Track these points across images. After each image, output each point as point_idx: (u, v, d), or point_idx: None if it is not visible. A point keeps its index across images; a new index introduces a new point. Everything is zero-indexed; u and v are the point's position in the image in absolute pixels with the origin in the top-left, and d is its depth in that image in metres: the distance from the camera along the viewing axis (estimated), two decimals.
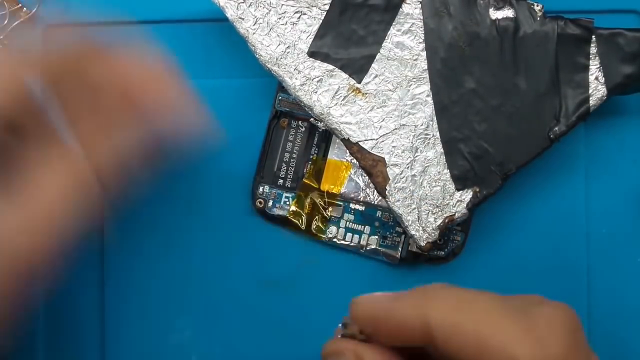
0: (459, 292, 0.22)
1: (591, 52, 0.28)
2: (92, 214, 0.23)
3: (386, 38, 0.29)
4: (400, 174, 0.29)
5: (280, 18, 0.29)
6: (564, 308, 0.22)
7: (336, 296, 0.26)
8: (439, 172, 0.29)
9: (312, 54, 0.29)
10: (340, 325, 0.24)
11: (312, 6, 0.29)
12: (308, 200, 0.31)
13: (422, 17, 0.29)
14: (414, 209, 0.29)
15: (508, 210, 0.31)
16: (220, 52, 0.31)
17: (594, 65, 0.28)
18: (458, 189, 0.28)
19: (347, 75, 0.29)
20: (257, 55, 0.29)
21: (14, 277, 0.22)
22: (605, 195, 0.31)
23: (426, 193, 0.29)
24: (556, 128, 0.28)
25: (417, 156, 0.29)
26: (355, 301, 0.23)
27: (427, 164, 0.29)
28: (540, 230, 0.31)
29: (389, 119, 0.29)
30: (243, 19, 0.29)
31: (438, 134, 0.29)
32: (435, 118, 0.29)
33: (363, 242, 0.31)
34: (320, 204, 0.31)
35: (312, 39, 0.29)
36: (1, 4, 0.31)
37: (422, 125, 0.29)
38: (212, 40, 0.31)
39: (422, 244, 0.29)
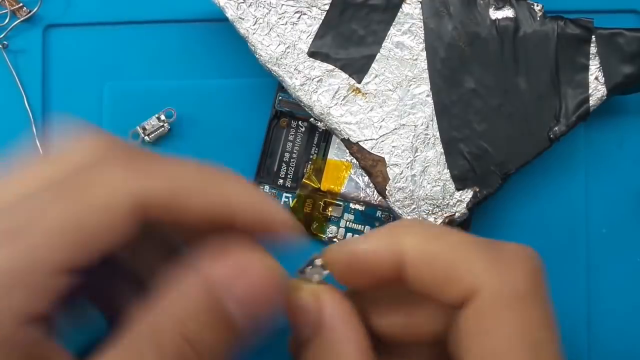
0: (430, 226, 0.23)
1: (591, 52, 0.28)
2: None
3: (386, 38, 0.29)
4: (400, 173, 0.29)
5: (280, 18, 0.29)
6: (530, 249, 0.22)
7: None
8: (439, 172, 0.29)
9: (312, 54, 0.29)
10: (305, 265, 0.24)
11: (312, 6, 0.29)
12: (308, 200, 0.31)
13: (422, 17, 0.29)
14: (414, 208, 0.29)
15: (508, 210, 0.31)
16: (220, 52, 0.31)
17: (594, 65, 0.28)
18: (458, 189, 0.28)
19: (347, 75, 0.29)
20: (257, 55, 0.29)
21: None
22: (605, 195, 0.31)
23: (426, 193, 0.29)
24: (556, 128, 0.28)
25: (417, 156, 0.29)
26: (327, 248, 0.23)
27: (427, 164, 0.29)
28: (540, 230, 0.31)
29: (389, 119, 0.29)
30: (243, 19, 0.29)
31: (438, 134, 0.29)
32: (435, 118, 0.29)
33: None
34: (320, 204, 0.31)
35: (312, 39, 0.29)
36: (1, 3, 0.31)
37: (422, 125, 0.29)
38: (212, 40, 0.31)
39: None
